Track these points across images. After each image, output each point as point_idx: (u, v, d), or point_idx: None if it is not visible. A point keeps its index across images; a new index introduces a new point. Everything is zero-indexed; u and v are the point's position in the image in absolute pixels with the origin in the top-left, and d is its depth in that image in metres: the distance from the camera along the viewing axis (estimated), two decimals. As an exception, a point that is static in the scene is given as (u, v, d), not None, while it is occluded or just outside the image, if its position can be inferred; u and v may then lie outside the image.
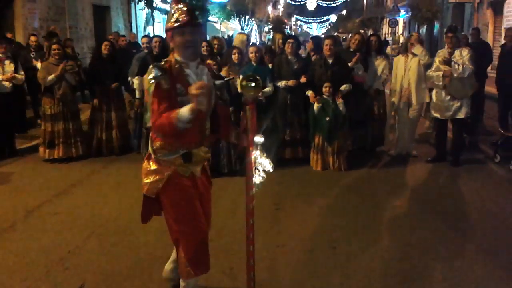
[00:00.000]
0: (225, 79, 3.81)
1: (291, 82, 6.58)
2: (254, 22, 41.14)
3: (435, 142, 7.16)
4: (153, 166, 3.02)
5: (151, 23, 22.60)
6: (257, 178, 3.00)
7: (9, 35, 9.90)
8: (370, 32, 36.20)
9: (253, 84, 2.82)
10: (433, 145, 7.35)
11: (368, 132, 7.29)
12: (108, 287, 3.64)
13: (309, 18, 65.82)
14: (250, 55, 6.56)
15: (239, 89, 2.81)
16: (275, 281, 3.73)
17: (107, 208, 5.27)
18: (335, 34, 36.46)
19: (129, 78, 7.50)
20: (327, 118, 6.36)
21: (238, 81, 2.90)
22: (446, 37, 6.55)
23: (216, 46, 7.59)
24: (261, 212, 5.00)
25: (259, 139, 2.92)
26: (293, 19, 63.45)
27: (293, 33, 35.86)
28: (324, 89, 6.41)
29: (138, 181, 6.07)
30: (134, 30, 20.27)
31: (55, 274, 3.81)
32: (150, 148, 3.02)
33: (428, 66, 6.81)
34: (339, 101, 6.39)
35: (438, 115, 6.70)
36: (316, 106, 6.40)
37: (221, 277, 3.78)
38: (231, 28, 36.48)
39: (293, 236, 4.51)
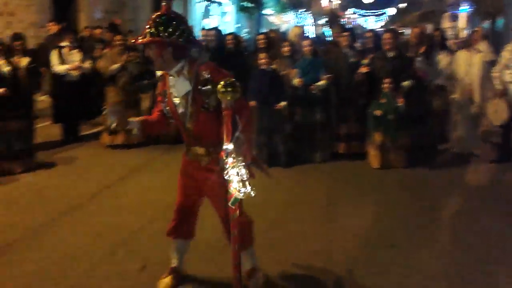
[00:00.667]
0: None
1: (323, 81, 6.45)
2: (309, 15, 40.78)
3: (501, 141, 6.86)
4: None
5: (208, 16, 22.89)
6: (237, 192, 2.64)
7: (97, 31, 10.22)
8: (429, 26, 35.10)
9: (229, 89, 2.74)
10: (496, 144, 7.05)
11: (429, 128, 7.07)
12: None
13: (366, 11, 64.45)
14: (305, 49, 6.55)
15: (219, 96, 2.72)
16: (333, 275, 3.70)
17: (168, 193, 5.39)
18: (393, 27, 35.55)
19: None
20: (391, 116, 6.21)
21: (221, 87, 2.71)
22: (512, 31, 6.26)
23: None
24: (314, 207, 5.03)
25: (228, 146, 2.68)
26: (349, 12, 62.34)
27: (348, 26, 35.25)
28: (384, 85, 6.28)
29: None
30: (191, 23, 20.60)
31: (118, 254, 3.98)
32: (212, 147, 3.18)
33: (491, 63, 6.56)
34: (401, 102, 6.24)
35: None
36: (381, 101, 6.28)
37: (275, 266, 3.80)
38: (285, 21, 36.32)
39: (347, 232, 4.47)
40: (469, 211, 5.00)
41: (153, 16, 3.01)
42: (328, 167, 6.39)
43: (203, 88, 2.98)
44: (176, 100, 3.11)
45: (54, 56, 7.39)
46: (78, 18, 13.49)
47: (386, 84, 6.25)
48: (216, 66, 3.11)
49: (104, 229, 4.47)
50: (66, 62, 7.38)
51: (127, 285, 3.56)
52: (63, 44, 7.58)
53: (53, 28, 9.72)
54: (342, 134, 6.71)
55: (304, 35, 8.79)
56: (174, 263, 3.55)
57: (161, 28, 2.92)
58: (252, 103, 5.81)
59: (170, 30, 2.93)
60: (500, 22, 25.27)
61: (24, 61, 6.28)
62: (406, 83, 6.30)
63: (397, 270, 3.76)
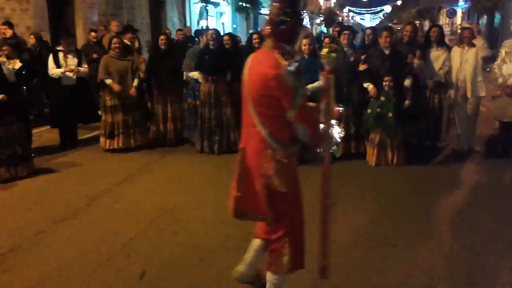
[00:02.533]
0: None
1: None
2: (305, 14, 40.77)
3: (499, 137, 6.85)
4: (285, 160, 2.87)
5: (205, 17, 22.86)
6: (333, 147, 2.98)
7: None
8: (426, 23, 35.10)
9: (333, 54, 2.87)
10: (496, 141, 7.03)
11: (427, 126, 7.06)
12: (169, 276, 3.72)
13: (362, 9, 64.43)
14: (303, 47, 6.48)
15: (321, 59, 2.87)
16: (334, 275, 3.67)
17: (166, 197, 5.41)
18: (389, 25, 35.52)
19: (185, 73, 7.63)
20: (390, 114, 6.19)
21: (323, 51, 2.94)
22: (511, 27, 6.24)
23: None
24: (313, 207, 4.98)
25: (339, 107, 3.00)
26: (346, 10, 62.33)
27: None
28: (384, 83, 6.25)
29: (193, 171, 6.32)
30: (188, 24, 20.57)
31: (117, 261, 3.95)
32: (276, 145, 2.83)
33: (489, 59, 6.54)
34: (408, 103, 6.28)
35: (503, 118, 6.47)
36: (380, 99, 6.26)
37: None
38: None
39: (349, 232, 4.45)
40: (467, 208, 4.98)
41: None
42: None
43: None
44: None
45: (50, 60, 7.35)
46: (74, 22, 13.44)
47: (386, 82, 6.22)
48: None
49: (103, 235, 4.44)
50: (62, 66, 7.34)
51: (127, 292, 3.54)
52: (59, 48, 7.55)
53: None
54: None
55: (309, 34, 8.73)
56: None
57: None
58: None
59: None
60: (497, 17, 25.29)
61: (16, 65, 6.24)
62: (407, 82, 6.29)
63: (400, 269, 3.73)
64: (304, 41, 6.54)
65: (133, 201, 5.32)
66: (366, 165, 6.44)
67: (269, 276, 3.04)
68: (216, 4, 25.08)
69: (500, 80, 6.33)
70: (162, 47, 7.44)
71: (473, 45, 6.58)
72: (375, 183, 5.81)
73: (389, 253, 4.01)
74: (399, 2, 58.52)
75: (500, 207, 4.99)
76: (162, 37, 7.59)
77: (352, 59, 6.66)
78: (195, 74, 7.27)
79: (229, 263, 3.86)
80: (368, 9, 65.63)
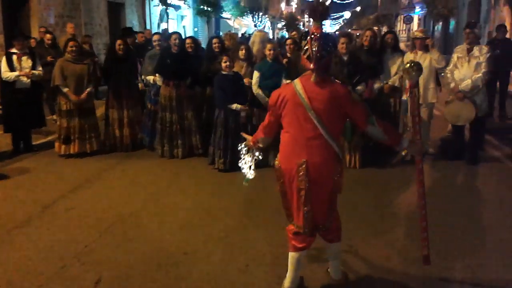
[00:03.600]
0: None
1: None
2: (267, 18, 41.07)
3: (452, 139, 7.08)
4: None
5: (165, 20, 22.65)
6: None
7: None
8: (384, 29, 35.92)
9: (415, 68, 3.32)
10: (450, 143, 7.27)
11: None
12: (126, 283, 3.66)
13: (323, 15, 65.34)
14: (267, 52, 6.53)
15: (403, 74, 3.24)
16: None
17: (123, 203, 5.30)
18: (349, 30, 36.24)
19: (143, 77, 7.53)
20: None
21: (405, 67, 3.39)
22: (464, 33, 6.47)
23: (228, 42, 7.61)
24: (273, 211, 5.00)
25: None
26: (307, 16, 63.16)
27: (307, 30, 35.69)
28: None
29: (152, 177, 6.23)
30: (148, 27, 20.33)
31: (71, 269, 3.84)
32: (338, 150, 3.26)
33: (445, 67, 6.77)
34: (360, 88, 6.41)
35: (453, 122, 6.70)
36: None
37: (239, 275, 3.77)
38: (244, 25, 36.45)
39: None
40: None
41: None
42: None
43: None
44: None
45: (3, 63, 7.09)
46: (29, 23, 13.04)
47: (345, 88, 6.34)
48: None
49: (57, 243, 4.31)
50: (16, 69, 7.10)
51: (81, 301, 3.45)
52: (13, 50, 7.29)
53: None
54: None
55: (269, 39, 8.82)
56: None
57: None
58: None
59: None
60: (452, 24, 26.20)
61: None
62: (376, 86, 6.45)
63: (358, 269, 3.80)
64: (269, 46, 6.62)
65: (89, 207, 5.19)
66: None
67: (336, 245, 3.51)
68: (177, 7, 24.87)
69: (452, 85, 6.55)
70: (119, 52, 7.29)
71: (427, 51, 6.75)
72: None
73: (346, 254, 4.05)
74: (358, 9, 59.82)
75: (454, 206, 5.15)
76: (119, 41, 7.40)
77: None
78: (154, 78, 7.18)
79: (188, 268, 3.84)
80: (329, 15, 66.64)
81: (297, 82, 3.25)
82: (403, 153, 6.20)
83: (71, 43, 7.20)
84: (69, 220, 4.85)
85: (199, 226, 4.66)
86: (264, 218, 4.83)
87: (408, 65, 3.35)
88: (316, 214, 3.27)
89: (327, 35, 3.39)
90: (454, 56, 6.57)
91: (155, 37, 7.92)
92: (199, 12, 26.63)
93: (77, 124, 7.07)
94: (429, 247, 3.47)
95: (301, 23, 48.47)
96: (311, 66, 3.17)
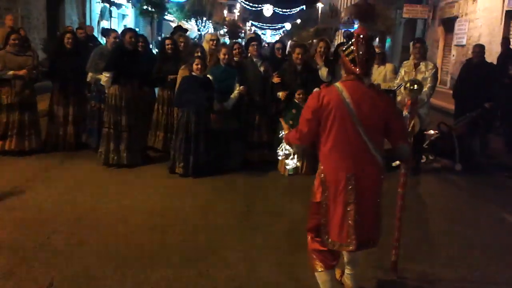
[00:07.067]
0: None
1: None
2: (211, 24, 41.02)
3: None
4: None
5: (107, 17, 21.99)
6: None
7: None
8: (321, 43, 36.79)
9: (416, 87, 3.48)
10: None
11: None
12: (79, 285, 3.49)
13: (264, 24, 66.43)
14: (222, 57, 6.50)
15: (403, 91, 3.41)
16: (257, 280, 3.67)
17: (69, 205, 5.04)
18: (304, 43, 36.74)
19: (90, 74, 7.20)
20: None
21: (402, 88, 3.39)
22: (413, 48, 6.70)
23: (182, 44, 7.49)
24: (232, 215, 4.99)
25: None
26: (248, 24, 63.80)
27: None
28: (297, 95, 6.52)
29: (97, 178, 5.97)
30: (88, 23, 19.66)
31: (20, 272, 3.60)
32: (382, 162, 3.18)
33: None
34: None
35: None
36: (282, 94, 6.54)
37: (198, 279, 3.69)
38: (188, 28, 36.18)
39: (268, 236, 4.50)
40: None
41: None
42: (242, 175, 6.36)
43: None
44: None
45: None
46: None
47: (299, 95, 6.46)
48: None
49: (0, 246, 4.02)
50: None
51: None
52: None
53: None
54: (255, 142, 6.75)
55: (220, 42, 8.80)
56: None
57: None
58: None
59: None
60: (388, 41, 27.38)
61: None
62: None
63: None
64: (223, 50, 6.59)
65: (32, 209, 4.87)
66: (278, 174, 6.54)
67: (362, 252, 3.37)
68: (118, 6, 24.25)
69: (399, 98, 6.77)
70: (68, 46, 6.96)
71: (384, 64, 6.99)
72: (289, 190, 5.97)
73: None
74: (298, 21, 61.19)
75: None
76: (68, 35, 7.06)
77: (262, 69, 6.80)
78: (103, 77, 6.88)
79: (144, 271, 3.70)
80: (270, 25, 67.76)
81: (342, 88, 3.06)
82: (394, 164, 6.31)
83: (13, 36, 6.81)
84: (13, 222, 4.54)
85: (153, 230, 4.52)
86: (223, 222, 4.79)
87: (409, 84, 3.47)
88: (364, 228, 3.09)
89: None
90: (402, 71, 6.84)
91: (114, 34, 7.53)
92: (142, 12, 26.08)
93: (17, 119, 6.66)
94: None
95: (243, 31, 48.80)
96: (357, 70, 3.03)
